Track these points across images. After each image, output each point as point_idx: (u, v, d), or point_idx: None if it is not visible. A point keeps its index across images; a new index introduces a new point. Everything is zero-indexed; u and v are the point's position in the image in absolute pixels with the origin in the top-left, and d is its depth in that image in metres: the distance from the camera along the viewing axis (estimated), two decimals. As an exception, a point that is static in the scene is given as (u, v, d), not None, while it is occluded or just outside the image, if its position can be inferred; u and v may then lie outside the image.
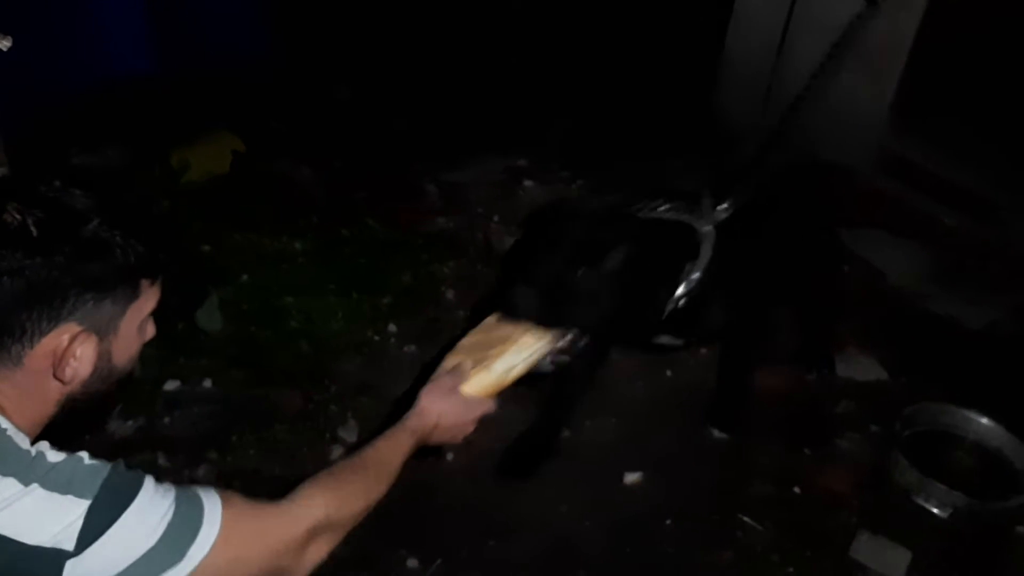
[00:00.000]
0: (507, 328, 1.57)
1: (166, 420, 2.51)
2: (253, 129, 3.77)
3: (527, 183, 3.75)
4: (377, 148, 3.89)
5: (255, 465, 2.40)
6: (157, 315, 1.21)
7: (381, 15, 4.80)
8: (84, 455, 1.06)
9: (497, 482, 2.39)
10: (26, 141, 3.49)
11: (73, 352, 1.08)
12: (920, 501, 2.36)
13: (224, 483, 2.32)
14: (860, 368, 2.86)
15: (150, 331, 1.21)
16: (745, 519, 2.33)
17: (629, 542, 2.25)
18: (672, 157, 3.73)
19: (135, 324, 1.16)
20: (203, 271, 2.90)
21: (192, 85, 3.75)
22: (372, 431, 2.49)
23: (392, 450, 1.45)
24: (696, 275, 2.04)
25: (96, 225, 1.06)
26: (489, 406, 1.58)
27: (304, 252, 3.16)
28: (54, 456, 1.05)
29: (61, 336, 1.07)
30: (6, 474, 1.00)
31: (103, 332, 1.11)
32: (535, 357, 1.55)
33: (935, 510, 2.34)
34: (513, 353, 1.52)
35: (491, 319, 1.60)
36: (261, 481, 2.34)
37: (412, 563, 2.17)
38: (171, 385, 2.61)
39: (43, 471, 1.02)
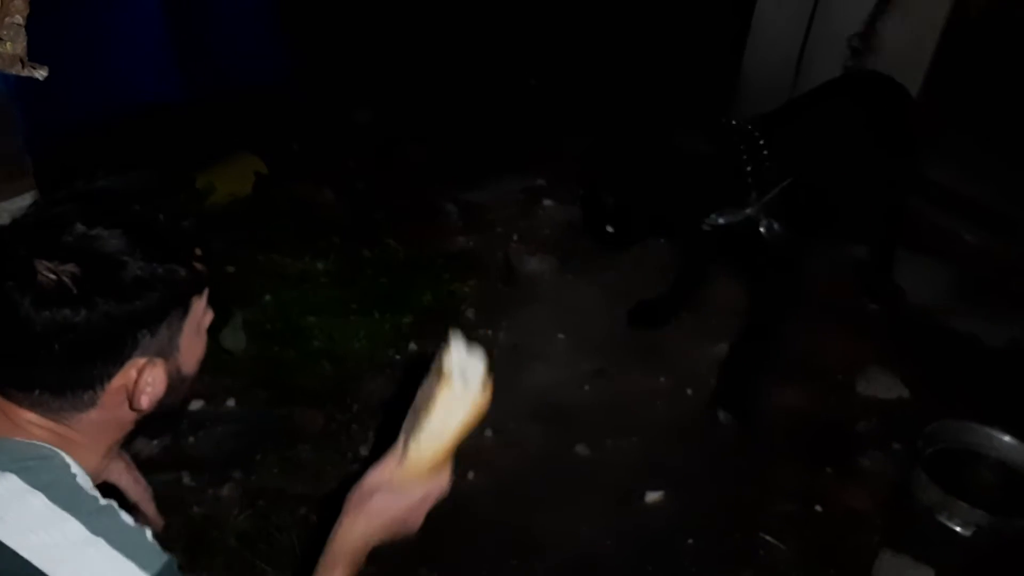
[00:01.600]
0: (432, 386, 1.31)
1: (191, 440, 2.54)
2: (275, 152, 3.83)
3: (546, 202, 3.78)
4: (397, 169, 3.94)
5: (279, 484, 2.42)
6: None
7: (400, 38, 4.87)
8: (148, 531, 1.07)
9: (520, 498, 2.41)
10: (54, 166, 3.57)
11: (145, 382, 1.09)
12: (943, 519, 2.35)
13: (248, 502, 2.35)
14: (881, 386, 2.85)
15: (207, 320, 1.20)
16: (767, 537, 2.32)
17: (651, 560, 2.25)
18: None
19: (194, 332, 1.16)
20: (227, 292, 2.94)
21: (215, 109, 3.82)
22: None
23: None
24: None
25: (133, 265, 1.04)
26: (439, 483, 1.33)
27: (326, 273, 3.20)
28: (126, 517, 1.05)
29: (129, 372, 1.08)
30: (74, 516, 1.00)
31: (166, 354, 1.12)
32: (458, 417, 1.30)
33: (958, 528, 2.33)
34: (434, 418, 1.29)
35: (423, 385, 1.37)
36: (285, 500, 2.37)
37: (433, 581, 2.18)
38: (196, 405, 2.64)
39: (113, 529, 1.02)
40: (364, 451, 2.53)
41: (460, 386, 1.30)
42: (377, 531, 1.29)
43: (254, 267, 3.15)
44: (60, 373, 1.06)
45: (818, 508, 2.43)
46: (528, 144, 4.14)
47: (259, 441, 2.54)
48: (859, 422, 2.73)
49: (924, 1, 3.64)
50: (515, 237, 3.51)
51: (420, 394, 1.37)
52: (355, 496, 1.30)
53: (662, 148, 2.40)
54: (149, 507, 1.45)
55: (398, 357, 2.88)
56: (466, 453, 2.52)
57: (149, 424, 1.20)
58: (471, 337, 3.01)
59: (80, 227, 1.04)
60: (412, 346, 2.91)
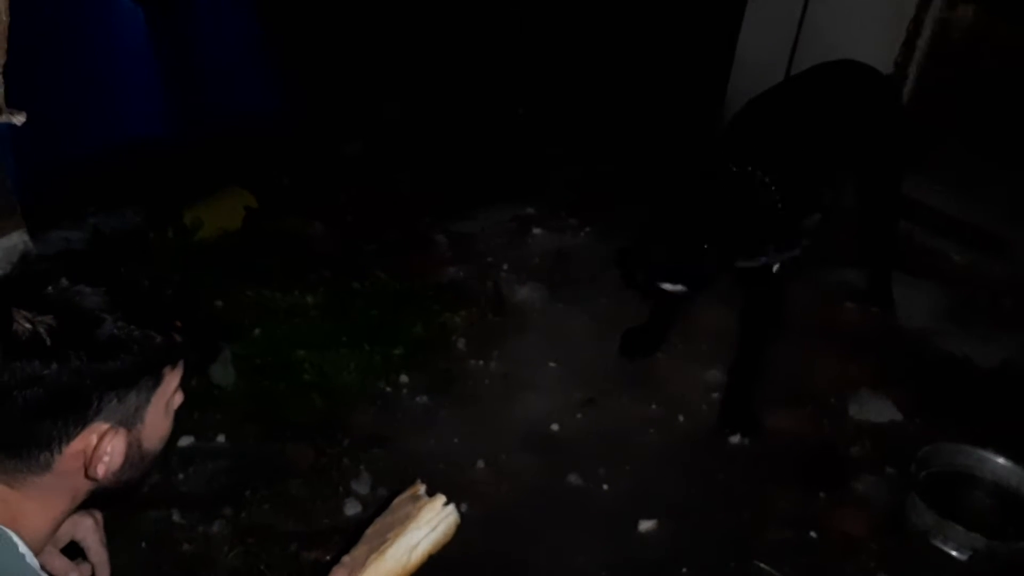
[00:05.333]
0: (408, 507, 1.36)
1: (180, 476, 2.52)
2: (265, 186, 3.83)
3: (535, 231, 3.78)
4: (387, 201, 3.95)
5: (269, 521, 2.40)
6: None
7: (388, 70, 4.90)
8: None
9: (513, 530, 2.39)
10: (44, 203, 3.57)
11: (104, 450, 1.06)
12: (938, 544, 2.34)
13: (239, 539, 2.33)
14: (874, 409, 2.85)
15: (177, 401, 1.18)
16: (762, 565, 2.31)
17: (645, 591, 2.24)
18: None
19: (162, 408, 1.14)
20: (216, 327, 2.93)
21: (205, 144, 3.83)
22: (385, 484, 2.53)
23: None
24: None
25: (110, 323, 1.03)
26: None
27: (316, 306, 3.19)
28: None
29: (89, 437, 1.05)
30: None
31: (130, 423, 1.09)
32: (440, 531, 1.33)
33: (954, 552, 2.32)
34: (413, 531, 1.32)
35: (397, 500, 1.43)
36: (275, 536, 2.35)
37: (428, 616, 2.15)
38: (185, 441, 2.62)
39: None
40: (355, 485, 2.52)
41: (441, 502, 1.34)
42: None
43: (243, 301, 3.14)
44: (18, 428, 1.03)
45: (812, 534, 2.42)
46: (516, 173, 4.16)
47: (249, 477, 2.52)
48: (852, 446, 2.72)
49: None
50: (505, 266, 3.51)
51: (391, 510, 1.40)
52: None
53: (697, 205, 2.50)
54: (104, 572, 1.43)
55: (389, 389, 2.87)
56: (458, 484, 2.54)
57: (103, 499, 1.17)
58: (462, 367, 3.04)
59: (64, 282, 1.04)
60: (403, 378, 2.90)
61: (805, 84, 2.91)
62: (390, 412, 2.78)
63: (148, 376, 1.09)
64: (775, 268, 2.56)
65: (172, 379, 1.14)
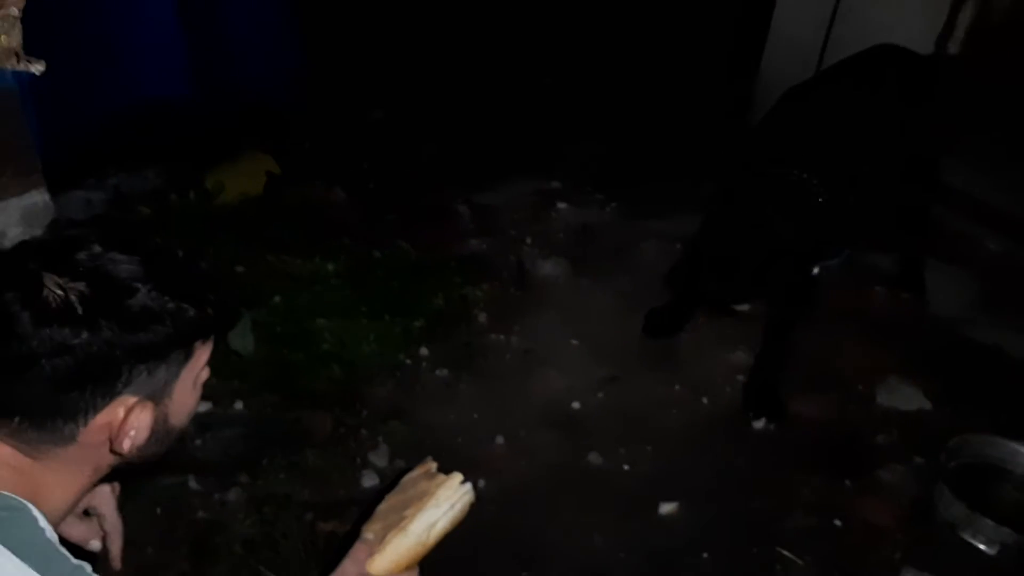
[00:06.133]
0: (424, 484, 1.36)
1: (197, 442, 2.50)
2: (287, 151, 3.79)
3: (560, 205, 3.73)
4: (410, 170, 3.90)
5: (286, 490, 2.38)
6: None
7: (414, 37, 4.82)
8: None
9: (531, 508, 2.36)
10: (65, 163, 3.54)
11: (131, 424, 1.04)
12: (967, 537, 2.28)
13: (255, 507, 2.31)
14: (902, 397, 2.79)
15: (204, 376, 1.16)
16: (784, 552, 2.26)
17: (665, 575, 2.20)
18: (704, 180, 3.70)
19: (190, 383, 1.11)
20: (237, 293, 2.90)
21: (227, 107, 3.78)
22: (402, 457, 2.51)
23: None
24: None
25: (144, 294, 1.00)
26: None
27: (336, 274, 3.15)
28: None
29: (116, 409, 1.03)
30: None
31: (158, 398, 1.07)
32: (457, 509, 1.34)
33: (982, 547, 2.26)
34: (432, 508, 1.32)
35: (409, 476, 1.43)
36: (291, 506, 2.32)
37: (443, 593, 2.13)
38: (203, 407, 2.60)
39: None
40: (373, 457, 2.49)
41: (459, 480, 1.34)
42: None
43: (264, 268, 3.11)
44: (45, 399, 1.00)
45: (837, 522, 2.37)
46: (542, 145, 4.09)
47: (266, 445, 2.50)
48: (879, 434, 2.66)
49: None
50: (528, 240, 3.46)
51: (403, 486, 1.39)
52: None
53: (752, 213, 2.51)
54: (116, 543, 1.39)
55: (408, 361, 2.83)
56: (476, 459, 2.51)
57: (123, 472, 1.15)
58: (483, 342, 3.01)
59: (96, 248, 1.01)
60: (423, 350, 2.86)
61: (849, 79, 2.81)
62: (409, 385, 2.75)
63: (179, 350, 1.06)
64: (815, 273, 2.55)
65: (202, 354, 1.12)
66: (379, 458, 2.49)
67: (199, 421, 2.55)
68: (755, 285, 2.63)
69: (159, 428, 1.09)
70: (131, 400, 1.03)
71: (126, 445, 1.04)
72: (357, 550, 1.33)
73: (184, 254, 1.10)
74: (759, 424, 2.67)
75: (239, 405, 2.63)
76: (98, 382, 1.00)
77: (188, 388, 1.12)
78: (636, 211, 3.67)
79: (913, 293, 3.23)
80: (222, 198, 3.37)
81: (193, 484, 2.37)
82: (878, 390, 2.81)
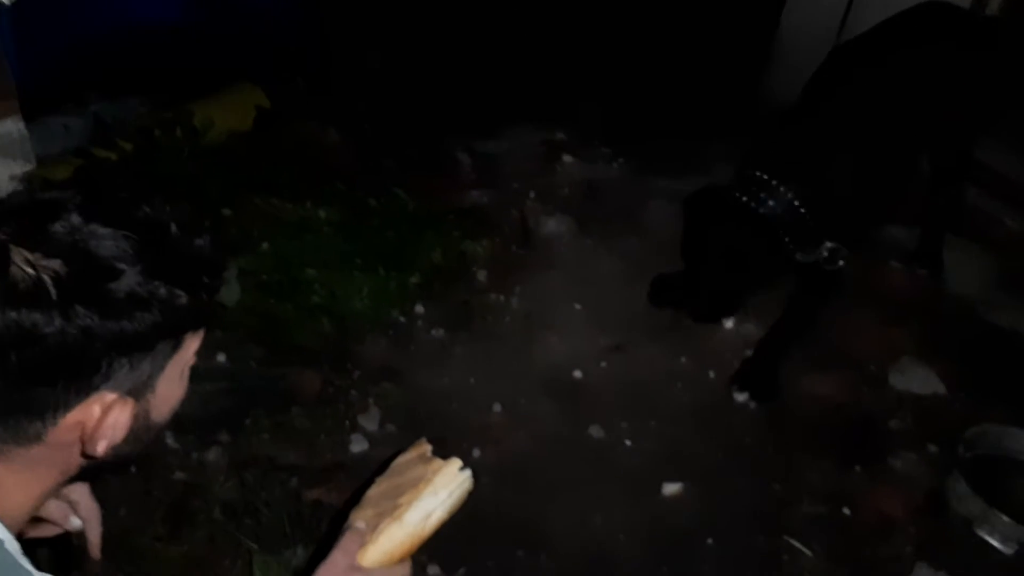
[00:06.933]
0: (419, 469, 1.24)
1: (176, 396, 2.36)
2: (280, 86, 3.57)
3: (566, 158, 3.55)
4: (410, 113, 3.69)
5: (269, 451, 2.25)
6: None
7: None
8: None
9: (528, 482, 2.24)
10: (46, 88, 3.32)
11: (108, 423, 0.89)
12: (982, 534, 2.19)
13: (236, 469, 2.18)
14: (916, 380, 2.68)
15: (192, 362, 1.01)
16: (792, 541, 2.16)
17: (667, 560, 2.09)
18: (717, 139, 3.54)
19: (176, 375, 0.96)
20: (222, 238, 2.73)
21: (222, 34, 3.55)
22: (394, 421, 2.37)
23: None
24: None
25: (129, 276, 0.84)
26: (403, 573, 1.21)
27: (329, 222, 2.97)
28: None
29: (91, 407, 0.87)
30: None
31: (140, 393, 0.92)
32: (455, 497, 1.23)
33: (998, 544, 2.17)
34: (429, 496, 1.21)
35: (401, 459, 1.32)
36: (274, 469, 2.20)
37: (433, 570, 2.02)
38: (183, 358, 2.46)
39: None
40: (362, 420, 2.36)
41: (457, 466, 1.22)
42: None
43: (251, 211, 2.93)
44: (10, 394, 0.84)
45: (846, 511, 2.27)
46: (549, 93, 3.87)
47: (250, 403, 2.36)
48: (892, 419, 2.56)
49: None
50: (532, 194, 3.29)
51: (396, 471, 1.28)
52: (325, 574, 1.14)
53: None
54: (95, 531, 1.25)
55: (403, 319, 2.69)
56: (472, 427, 2.38)
57: (94, 472, 0.99)
58: (482, 301, 2.85)
59: (76, 218, 0.84)
60: (418, 308, 2.72)
61: (903, 41, 2.58)
62: (403, 344, 2.61)
63: (167, 341, 0.90)
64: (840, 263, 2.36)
65: (192, 344, 0.96)
66: (369, 422, 2.36)
67: (179, 373, 2.41)
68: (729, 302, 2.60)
69: (139, 426, 0.94)
70: (109, 397, 0.88)
71: (101, 447, 0.89)
72: (347, 540, 1.19)
73: (180, 228, 0.92)
74: (741, 398, 2.57)
75: (222, 357, 2.49)
76: (72, 376, 0.85)
77: (174, 381, 0.97)
78: (644, 168, 3.50)
79: (931, 271, 3.10)
80: (209, 135, 3.17)
81: (171, 441, 2.24)
82: (891, 372, 2.70)
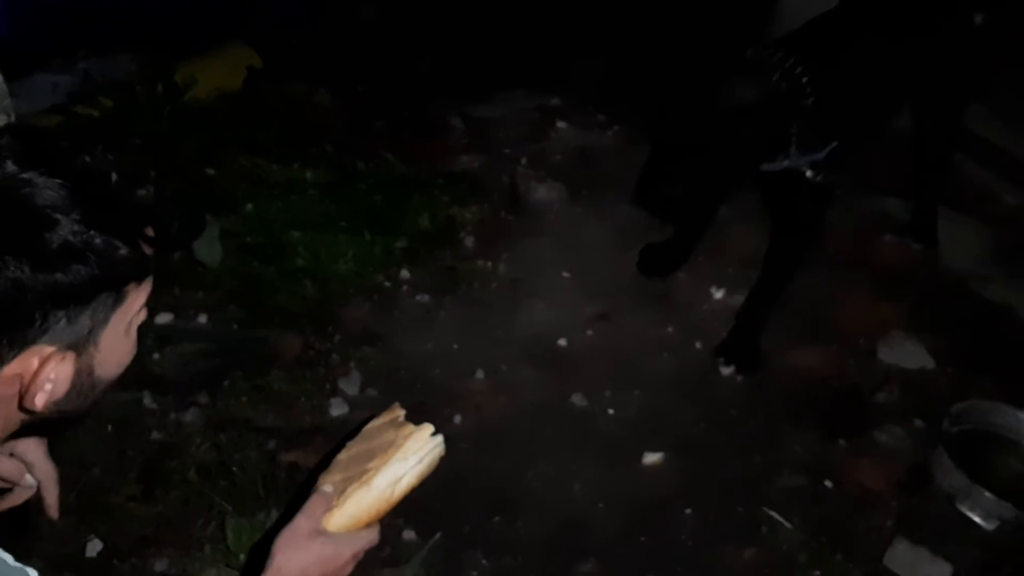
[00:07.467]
0: (390, 434, 1.20)
1: (155, 356, 2.35)
2: (270, 44, 3.51)
3: (560, 124, 3.49)
4: (402, 75, 3.63)
5: (247, 414, 2.24)
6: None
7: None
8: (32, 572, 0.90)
9: (508, 449, 2.23)
10: (34, 41, 3.27)
11: (46, 377, 0.86)
12: (964, 509, 2.17)
13: (213, 431, 2.17)
14: (904, 354, 2.64)
15: (140, 319, 0.98)
16: (771, 513, 2.14)
17: (644, 530, 2.08)
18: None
19: (121, 329, 0.94)
20: (204, 197, 2.69)
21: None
22: (375, 386, 2.35)
23: None
24: None
25: (66, 226, 0.82)
26: (370, 538, 1.17)
27: (315, 183, 2.94)
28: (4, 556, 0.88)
29: (29, 360, 0.85)
30: None
31: (81, 347, 0.89)
32: (426, 462, 1.19)
33: (979, 520, 2.15)
34: (399, 461, 1.17)
35: (373, 424, 1.28)
36: (252, 431, 2.19)
37: (409, 535, 2.01)
38: (164, 318, 2.44)
39: None
40: (343, 384, 2.34)
41: (429, 432, 1.18)
42: None
43: (236, 171, 2.90)
44: None
45: (828, 484, 2.25)
46: (544, 57, 3.80)
47: (229, 364, 2.35)
48: (878, 392, 2.52)
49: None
50: (523, 161, 3.24)
51: (367, 435, 1.23)
52: (283, 541, 1.11)
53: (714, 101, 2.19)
54: (52, 492, 1.23)
55: (387, 284, 2.66)
56: (453, 393, 2.36)
57: (38, 429, 0.97)
58: (469, 267, 2.82)
59: (11, 166, 0.81)
60: (404, 273, 2.69)
61: None
62: (387, 309, 2.58)
63: (108, 293, 0.88)
64: (808, 176, 2.24)
65: (137, 297, 0.93)
66: (349, 385, 2.34)
67: (158, 333, 2.39)
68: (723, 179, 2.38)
69: (82, 381, 0.91)
70: (47, 350, 0.85)
71: (40, 400, 0.87)
72: (313, 503, 1.16)
73: (121, 177, 0.89)
74: (727, 371, 2.54)
75: (203, 318, 2.47)
76: (5, 329, 0.82)
77: (119, 335, 0.93)
78: (639, 136, 3.44)
79: (924, 244, 3.05)
80: (195, 92, 3.12)
81: (148, 402, 2.23)
82: (880, 345, 2.66)
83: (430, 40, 3.85)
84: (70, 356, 0.87)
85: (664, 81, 2.60)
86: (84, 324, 0.87)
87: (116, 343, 0.93)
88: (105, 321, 0.89)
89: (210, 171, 2.86)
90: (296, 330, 2.45)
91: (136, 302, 0.93)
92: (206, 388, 2.28)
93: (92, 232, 0.82)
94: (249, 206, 2.77)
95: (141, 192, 0.90)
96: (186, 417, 2.20)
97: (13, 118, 2.88)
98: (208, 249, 2.54)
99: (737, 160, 2.21)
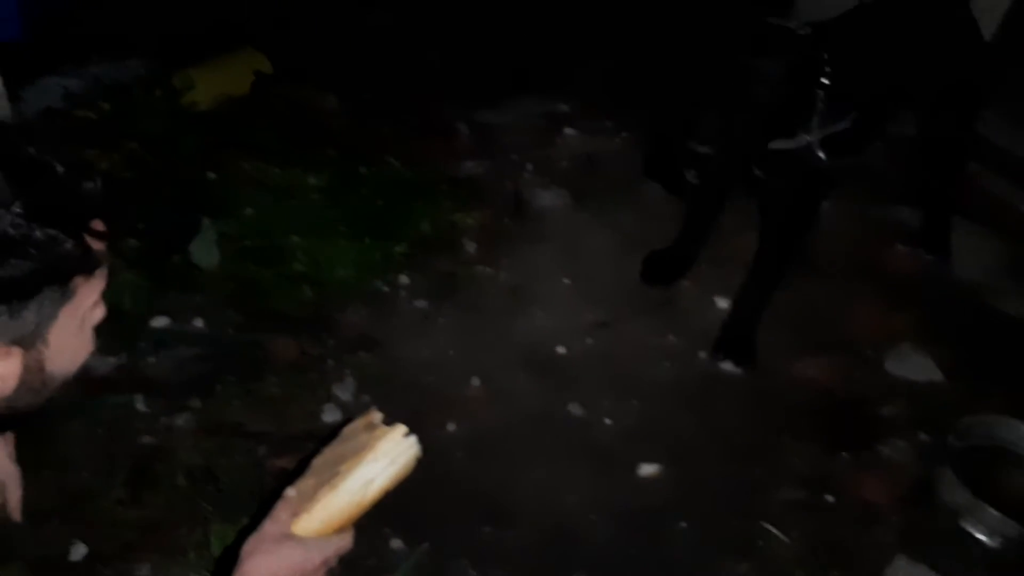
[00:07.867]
0: (363, 436, 1.19)
1: (150, 359, 2.33)
2: (279, 48, 3.51)
3: (567, 131, 3.47)
4: (409, 79, 3.62)
5: (239, 418, 2.21)
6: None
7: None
8: None
9: (502, 458, 2.19)
10: (45, 43, 3.29)
11: None
12: (968, 526, 2.11)
13: (204, 435, 2.15)
14: (913, 366, 2.58)
15: (97, 317, 0.96)
16: (769, 527, 2.09)
17: (637, 543, 2.04)
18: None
19: (72, 326, 0.92)
20: (201, 200, 2.68)
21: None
22: (369, 392, 2.33)
23: None
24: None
25: (5, 220, 0.80)
26: (341, 543, 1.15)
27: (317, 188, 2.92)
28: None
29: None
30: None
31: (28, 343, 0.88)
32: (399, 464, 1.16)
33: (983, 538, 2.09)
34: (370, 463, 1.15)
35: (348, 428, 1.26)
36: (243, 436, 2.16)
37: (396, 544, 1.98)
38: (159, 322, 2.43)
39: None
40: (337, 390, 2.32)
41: (402, 432, 1.17)
42: None
43: (238, 175, 2.88)
44: None
45: (829, 498, 2.19)
46: (553, 63, 3.78)
47: (223, 368, 2.33)
48: (884, 405, 2.47)
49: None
50: (529, 167, 3.22)
51: (343, 438, 1.24)
52: (250, 546, 1.10)
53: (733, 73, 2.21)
54: (14, 494, 1.22)
55: (386, 289, 2.64)
56: (448, 400, 2.33)
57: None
58: (469, 273, 2.80)
59: None
60: (403, 278, 2.67)
61: None
62: (384, 314, 2.56)
63: (52, 287, 0.86)
64: (819, 156, 2.21)
65: (88, 292, 0.92)
66: (344, 391, 2.32)
67: (154, 336, 2.38)
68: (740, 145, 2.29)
69: (32, 378, 0.90)
70: None
71: None
72: (279, 509, 1.15)
73: (67, 170, 0.88)
74: (726, 367, 2.50)
75: (199, 322, 2.46)
76: None
77: (70, 332, 0.92)
78: (647, 141, 3.41)
79: (936, 254, 2.99)
80: (202, 98, 3.12)
81: (140, 405, 2.21)
82: (888, 357, 2.61)
83: (439, 46, 3.84)
84: (16, 352, 0.86)
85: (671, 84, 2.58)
86: (28, 319, 0.86)
87: (67, 339, 0.92)
88: (52, 316, 0.88)
89: (211, 174, 2.85)
90: (291, 334, 2.43)
91: (87, 297, 0.92)
92: (199, 392, 2.26)
93: (33, 225, 0.81)
94: (249, 210, 2.76)
95: (88, 185, 0.89)
96: (177, 421, 2.18)
97: (9, 119, 2.92)
98: (205, 252, 2.53)
99: (754, 129, 2.17)
